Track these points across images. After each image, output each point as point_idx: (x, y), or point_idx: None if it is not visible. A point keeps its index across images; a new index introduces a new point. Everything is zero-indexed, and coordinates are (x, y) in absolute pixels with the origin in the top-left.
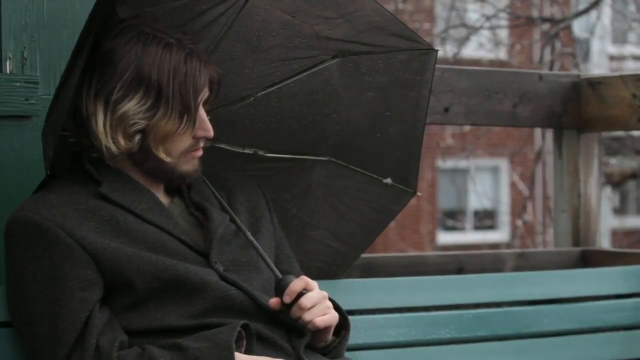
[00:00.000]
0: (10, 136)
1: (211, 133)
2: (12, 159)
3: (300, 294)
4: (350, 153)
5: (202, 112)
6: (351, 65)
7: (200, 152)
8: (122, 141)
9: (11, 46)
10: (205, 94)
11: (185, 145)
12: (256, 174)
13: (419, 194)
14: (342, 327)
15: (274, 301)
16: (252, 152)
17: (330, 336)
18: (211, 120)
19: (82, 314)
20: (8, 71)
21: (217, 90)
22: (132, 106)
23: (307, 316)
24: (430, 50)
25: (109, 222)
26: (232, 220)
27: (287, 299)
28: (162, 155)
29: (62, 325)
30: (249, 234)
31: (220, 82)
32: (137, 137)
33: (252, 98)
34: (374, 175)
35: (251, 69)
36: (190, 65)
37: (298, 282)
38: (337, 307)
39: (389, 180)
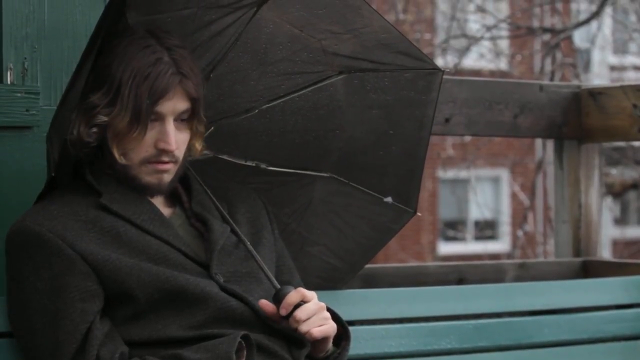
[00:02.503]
0: (11, 147)
1: (170, 147)
2: (13, 170)
3: (298, 306)
4: (352, 170)
5: (168, 124)
6: (357, 82)
7: (164, 167)
8: (82, 130)
9: (12, 57)
10: (176, 105)
11: (146, 154)
12: (257, 187)
13: (418, 214)
14: (343, 337)
15: (270, 309)
16: (254, 164)
17: (329, 346)
18: (215, 132)
19: (82, 325)
20: (9, 82)
21: (198, 108)
22: (96, 99)
23: (303, 327)
24: (437, 71)
25: (109, 233)
26: (233, 231)
27: (283, 311)
28: (117, 154)
29: (63, 337)
30: (249, 245)
31: (199, 98)
32: (94, 129)
33: (257, 110)
34: (375, 194)
35: (257, 81)
36: (155, 69)
37: (294, 295)
38: (337, 318)
39: (389, 199)
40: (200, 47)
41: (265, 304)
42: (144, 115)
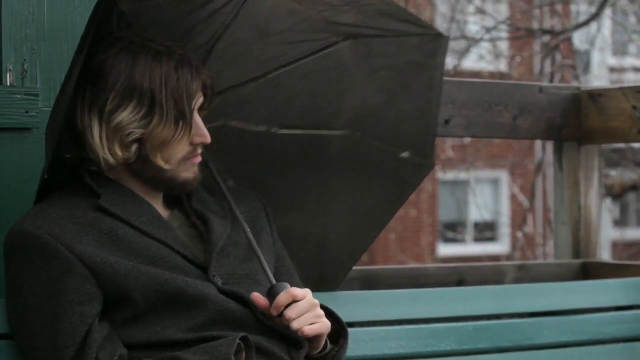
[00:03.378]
0: (11, 148)
1: (208, 139)
2: (13, 171)
3: (289, 305)
4: (367, 127)
5: (197, 118)
6: (363, 47)
7: (199, 159)
8: (119, 152)
9: (12, 59)
10: (199, 99)
11: (184, 153)
12: (272, 151)
13: (437, 166)
14: (341, 335)
15: (262, 303)
16: (265, 129)
17: (321, 344)
18: (222, 101)
19: (81, 328)
20: (8, 83)
21: (211, 96)
22: (126, 116)
23: (295, 325)
24: (441, 36)
25: (108, 236)
26: (242, 229)
27: (274, 312)
28: (160, 163)
29: (62, 340)
30: (253, 241)
31: (214, 87)
32: (134, 147)
33: (264, 79)
34: (392, 149)
35: (261, 52)
36: (182, 72)
37: (284, 296)
38: (334, 316)
39: (406, 154)
40: (199, 25)
41: (258, 297)
42: (189, 117)
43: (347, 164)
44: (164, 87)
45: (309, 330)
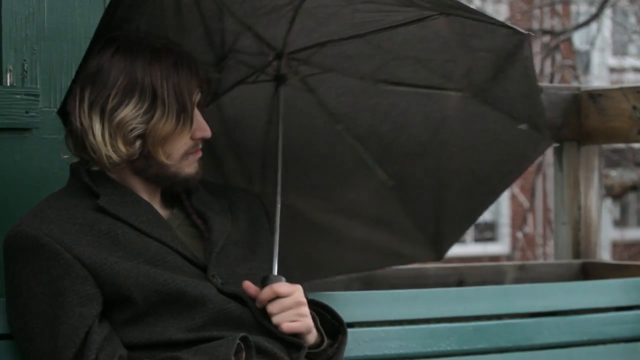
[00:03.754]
0: (11, 149)
1: (209, 133)
2: (13, 172)
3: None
4: (484, 95)
5: (197, 113)
6: (457, 25)
7: (200, 154)
8: (122, 148)
9: (12, 59)
10: (198, 94)
11: (186, 147)
12: (378, 108)
13: (555, 144)
14: (339, 332)
15: (252, 291)
16: (371, 84)
17: (308, 342)
18: (321, 53)
19: (81, 329)
20: (8, 84)
21: (208, 91)
22: (129, 111)
23: (274, 319)
24: (524, 34)
25: (107, 236)
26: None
27: (258, 305)
28: (162, 158)
29: (62, 341)
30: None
31: (210, 81)
32: (138, 143)
33: (363, 39)
34: (509, 119)
35: (351, 16)
36: (181, 67)
37: (267, 291)
38: (332, 313)
39: (524, 126)
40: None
41: (249, 286)
42: (190, 110)
43: (465, 126)
44: (165, 81)
45: (287, 327)
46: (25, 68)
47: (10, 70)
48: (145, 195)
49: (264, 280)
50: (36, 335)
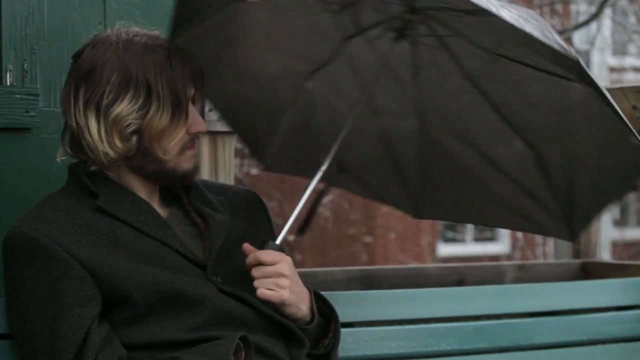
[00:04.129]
0: (11, 148)
1: (204, 127)
2: (12, 171)
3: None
4: (605, 97)
5: (192, 108)
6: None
7: (196, 148)
8: (119, 144)
9: (11, 58)
10: (191, 89)
11: (182, 142)
12: (506, 78)
13: None
14: (331, 320)
15: (249, 253)
16: (494, 57)
17: (288, 315)
18: (446, 14)
19: (80, 330)
20: (8, 83)
21: (201, 87)
22: (124, 107)
23: (254, 283)
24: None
25: (106, 236)
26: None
27: (247, 265)
28: (159, 153)
29: (61, 342)
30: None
31: (203, 76)
32: (134, 138)
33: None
34: (626, 127)
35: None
36: (174, 61)
37: (251, 257)
38: (323, 300)
39: (635, 139)
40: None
41: (248, 248)
42: (185, 104)
43: (590, 121)
44: (159, 76)
45: (261, 292)
46: (25, 68)
47: (10, 70)
48: (143, 194)
49: (261, 245)
50: (36, 336)
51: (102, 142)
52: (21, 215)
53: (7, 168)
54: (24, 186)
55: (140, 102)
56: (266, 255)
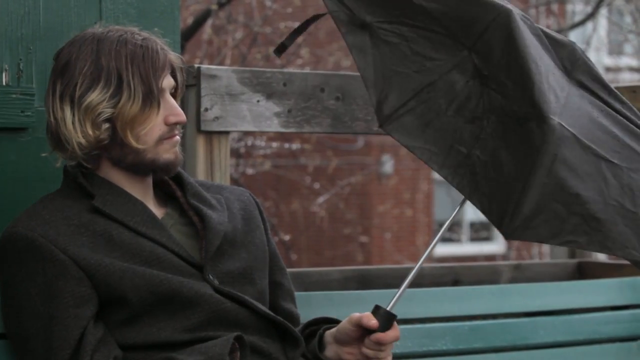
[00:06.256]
0: (6, 148)
1: (183, 118)
2: (8, 171)
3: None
4: None
5: (169, 98)
6: None
7: (177, 138)
8: (90, 132)
9: (7, 58)
10: (167, 78)
11: (160, 132)
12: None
13: None
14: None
15: (373, 325)
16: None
17: None
18: None
19: (76, 330)
20: (4, 83)
21: (182, 80)
22: (95, 96)
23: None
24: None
25: (102, 237)
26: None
27: (371, 341)
28: (132, 141)
29: (57, 343)
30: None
31: (183, 69)
32: (105, 126)
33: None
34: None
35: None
36: (147, 49)
37: (393, 336)
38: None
39: None
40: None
41: (369, 318)
42: (155, 91)
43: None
44: (130, 64)
45: None
46: (21, 67)
47: (5, 70)
48: (138, 194)
49: (378, 310)
50: (31, 337)
51: (77, 132)
52: (17, 216)
53: (2, 168)
54: (20, 186)
55: (111, 91)
56: (389, 338)
